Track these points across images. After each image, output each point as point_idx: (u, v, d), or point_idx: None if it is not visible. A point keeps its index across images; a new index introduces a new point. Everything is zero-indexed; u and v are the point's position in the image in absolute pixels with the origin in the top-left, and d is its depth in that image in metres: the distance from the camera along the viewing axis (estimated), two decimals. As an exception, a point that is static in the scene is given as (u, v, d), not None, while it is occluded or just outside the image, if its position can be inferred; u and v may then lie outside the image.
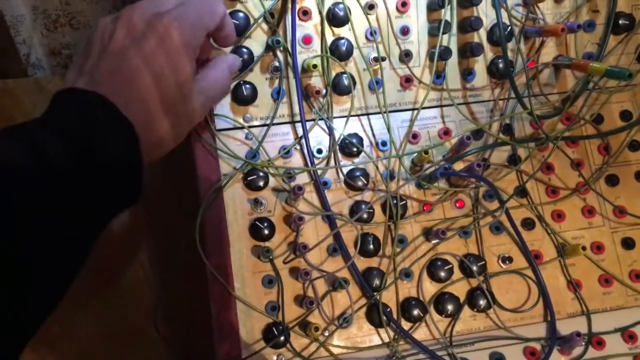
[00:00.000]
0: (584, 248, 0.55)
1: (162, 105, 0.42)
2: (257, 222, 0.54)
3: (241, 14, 0.54)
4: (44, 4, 0.79)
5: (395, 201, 0.56)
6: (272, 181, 0.56)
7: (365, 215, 0.56)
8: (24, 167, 0.34)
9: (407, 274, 0.56)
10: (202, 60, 0.50)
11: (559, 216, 0.59)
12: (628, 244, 0.59)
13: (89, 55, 0.42)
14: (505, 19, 0.57)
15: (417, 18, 0.58)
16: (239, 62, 0.53)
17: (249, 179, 0.55)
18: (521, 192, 0.59)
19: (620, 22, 0.60)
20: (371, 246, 0.55)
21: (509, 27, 0.57)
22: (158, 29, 0.42)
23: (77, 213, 0.36)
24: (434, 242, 0.57)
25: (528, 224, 0.58)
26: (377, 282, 0.55)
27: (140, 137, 0.39)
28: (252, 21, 0.55)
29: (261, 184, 0.55)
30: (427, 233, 0.57)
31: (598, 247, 0.58)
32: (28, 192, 0.34)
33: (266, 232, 0.54)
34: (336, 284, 0.54)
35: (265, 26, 0.56)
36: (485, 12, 0.58)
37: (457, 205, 0.58)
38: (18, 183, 0.33)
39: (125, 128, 0.39)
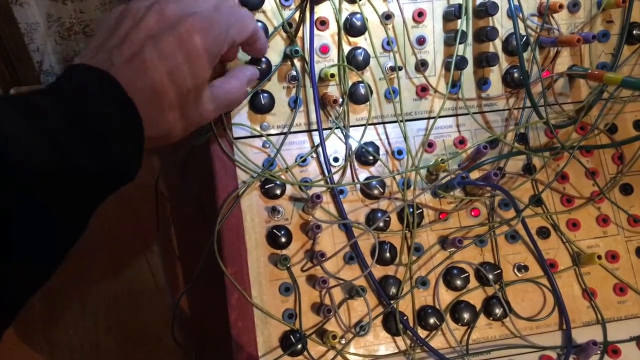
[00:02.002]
0: (599, 257, 0.55)
1: (170, 101, 0.42)
2: (274, 230, 0.55)
3: (260, 24, 0.55)
4: (59, 12, 0.79)
5: (411, 210, 0.57)
6: (289, 189, 0.56)
7: (381, 224, 0.56)
8: (22, 131, 0.33)
9: (423, 282, 0.56)
10: (225, 61, 0.52)
11: (574, 225, 0.59)
12: (643, 253, 0.59)
13: (113, 34, 0.42)
14: (521, 29, 0.58)
15: (433, 28, 0.58)
16: (257, 74, 0.54)
17: (266, 187, 0.55)
18: (537, 201, 0.59)
19: (634, 32, 0.61)
20: (388, 254, 0.56)
21: (525, 37, 0.58)
22: (184, 27, 0.42)
23: (73, 181, 0.35)
24: (450, 250, 0.57)
25: (543, 232, 0.59)
26: (393, 290, 0.55)
27: (144, 123, 0.39)
28: (270, 30, 0.55)
29: (278, 192, 0.56)
30: (443, 241, 0.57)
31: (613, 256, 0.59)
32: (25, 156, 0.33)
33: (283, 240, 0.54)
34: (353, 292, 0.54)
35: (283, 35, 0.56)
36: (501, 23, 0.59)
37: (472, 214, 0.59)
38: (15, 146, 0.33)
39: (128, 109, 0.39)
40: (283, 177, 0.56)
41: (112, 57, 0.40)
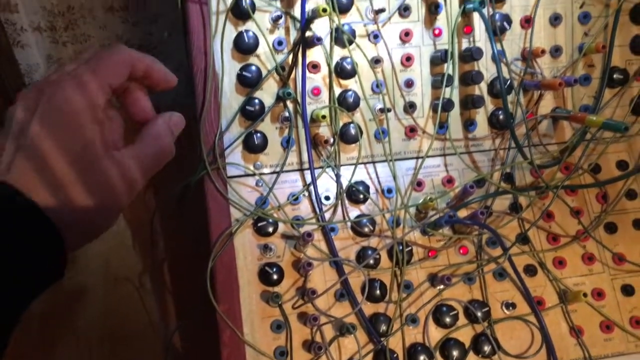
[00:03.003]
0: (585, 295, 0.57)
1: (70, 179, 0.38)
2: (266, 268, 0.55)
3: (254, 67, 0.57)
4: (59, 53, 0.82)
5: (401, 247, 0.58)
6: (282, 227, 0.58)
7: (372, 261, 0.57)
8: None
9: (413, 320, 0.57)
10: (146, 116, 0.45)
11: (560, 263, 0.60)
12: (627, 290, 0.60)
13: (3, 144, 0.39)
14: (505, 73, 0.60)
15: (420, 72, 0.61)
16: (179, 118, 0.45)
17: (259, 225, 0.57)
18: (523, 239, 0.60)
19: (614, 76, 0.63)
20: (378, 292, 0.57)
21: (509, 81, 0.60)
22: (45, 100, 0.38)
23: None
24: (439, 288, 0.58)
25: (530, 270, 0.60)
26: (383, 327, 0.56)
27: (55, 217, 0.37)
28: (264, 74, 0.57)
29: (270, 230, 0.57)
30: (433, 279, 0.58)
31: (599, 294, 0.60)
32: None
33: (275, 277, 0.55)
34: (344, 329, 0.55)
35: (276, 78, 0.58)
36: (486, 67, 0.61)
37: (461, 251, 0.60)
38: None
39: (33, 213, 0.36)
40: (275, 215, 0.57)
41: (1, 163, 0.38)
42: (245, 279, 0.56)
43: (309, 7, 0.56)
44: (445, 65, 0.59)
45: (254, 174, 0.58)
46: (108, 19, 0.81)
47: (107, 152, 0.40)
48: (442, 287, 0.58)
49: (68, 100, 0.38)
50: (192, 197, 0.60)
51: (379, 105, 0.59)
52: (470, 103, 0.61)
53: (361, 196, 0.59)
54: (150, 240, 0.69)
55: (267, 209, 0.57)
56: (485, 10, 0.58)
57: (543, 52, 0.60)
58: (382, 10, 0.58)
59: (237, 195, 0.57)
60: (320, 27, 0.57)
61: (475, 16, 0.60)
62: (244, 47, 0.56)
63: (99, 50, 0.42)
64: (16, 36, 0.79)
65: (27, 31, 0.79)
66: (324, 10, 0.50)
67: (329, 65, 0.58)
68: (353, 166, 0.60)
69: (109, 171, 0.40)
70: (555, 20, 0.61)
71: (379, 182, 0.61)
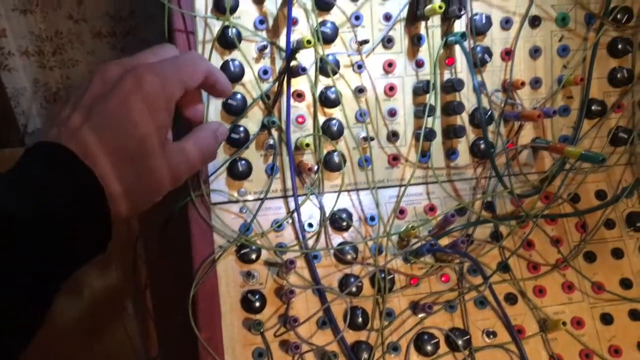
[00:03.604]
0: (564, 323, 0.57)
1: (130, 157, 0.42)
2: (248, 295, 0.56)
3: (239, 95, 0.57)
4: (46, 77, 0.82)
5: (383, 275, 0.58)
6: (265, 254, 0.58)
7: (354, 289, 0.58)
8: None
9: (394, 348, 0.57)
10: (196, 121, 0.51)
11: (540, 291, 0.61)
12: (606, 319, 0.61)
13: (65, 107, 0.43)
14: (486, 103, 0.61)
15: (403, 101, 0.62)
16: (225, 129, 0.53)
17: (241, 252, 0.57)
18: (504, 267, 0.61)
19: (593, 108, 0.64)
20: (360, 319, 0.57)
21: (489, 112, 0.61)
22: (129, 80, 0.42)
23: (39, 263, 0.36)
24: (420, 315, 0.58)
25: (511, 298, 0.60)
26: (365, 355, 0.56)
27: (108, 186, 0.40)
28: (249, 102, 0.58)
29: (253, 257, 0.57)
30: (414, 307, 0.58)
31: (578, 322, 0.60)
32: None
33: (257, 304, 0.55)
34: (325, 357, 0.55)
35: (262, 106, 0.59)
36: (467, 97, 0.62)
37: (442, 279, 0.60)
38: None
39: (88, 180, 0.39)
40: (259, 242, 0.58)
41: (65, 128, 0.41)
42: (228, 306, 0.56)
43: (294, 37, 0.57)
44: (428, 95, 0.60)
45: (237, 201, 0.58)
46: (96, 44, 0.82)
47: (166, 141, 0.44)
48: (423, 315, 0.58)
49: (152, 86, 0.42)
50: (176, 223, 0.60)
51: (363, 134, 0.60)
52: (452, 133, 0.62)
53: (344, 224, 0.59)
54: (133, 266, 0.69)
55: (250, 236, 0.58)
56: (466, 43, 0.59)
57: (523, 84, 0.61)
58: (365, 42, 0.59)
59: (221, 222, 0.57)
60: (306, 57, 0.58)
61: (457, 48, 0.61)
62: (230, 76, 0.57)
63: (183, 52, 0.50)
64: (3, 60, 0.79)
65: (15, 55, 0.80)
66: (308, 42, 0.51)
67: (313, 94, 0.59)
68: (336, 194, 0.60)
69: (163, 159, 0.44)
70: (535, 53, 0.63)
71: (362, 209, 0.61)
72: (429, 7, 0.57)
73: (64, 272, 0.39)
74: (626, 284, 0.62)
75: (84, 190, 0.39)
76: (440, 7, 0.55)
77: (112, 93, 0.42)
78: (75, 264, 0.40)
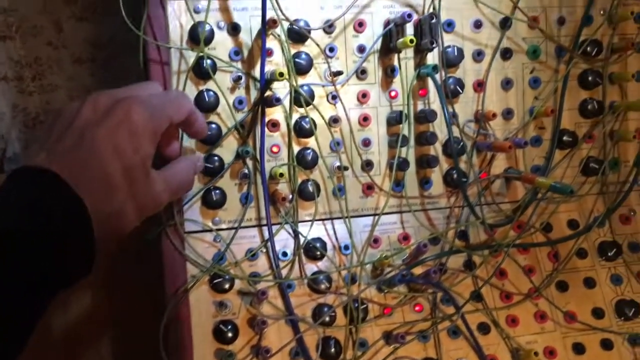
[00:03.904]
0: (536, 353, 0.57)
1: (115, 183, 0.43)
2: (221, 325, 0.55)
3: (214, 125, 0.58)
4: (25, 102, 0.82)
5: (356, 305, 0.58)
6: (238, 283, 0.58)
7: (327, 319, 0.58)
8: None
9: (367, 378, 0.57)
10: (172, 157, 0.54)
11: (513, 321, 0.61)
12: (578, 349, 0.61)
13: (52, 132, 0.44)
14: (458, 133, 0.62)
15: (377, 131, 0.62)
16: (203, 161, 0.57)
17: (214, 281, 0.57)
18: (477, 297, 0.61)
19: (564, 138, 0.65)
20: (333, 350, 0.57)
21: (461, 143, 0.62)
22: (120, 109, 0.44)
23: (23, 286, 0.38)
24: (394, 346, 0.58)
25: (484, 328, 0.61)
26: (338, 386, 0.56)
27: (94, 212, 0.41)
28: (224, 131, 0.58)
29: (227, 286, 0.57)
30: (388, 337, 0.58)
31: (550, 352, 0.61)
32: None
33: (230, 335, 0.55)
34: (297, 388, 0.55)
35: (236, 135, 0.59)
36: (441, 128, 0.63)
37: (416, 309, 0.60)
38: None
39: (75, 205, 0.40)
40: (232, 271, 0.58)
41: (53, 153, 0.42)
42: (200, 336, 0.55)
43: (269, 68, 0.58)
44: (401, 126, 0.61)
45: (211, 230, 0.58)
46: (76, 70, 0.82)
47: (149, 170, 0.47)
48: (396, 345, 0.58)
49: (141, 118, 0.44)
50: (150, 251, 0.60)
51: (337, 163, 0.61)
52: (425, 162, 0.62)
53: (318, 253, 0.60)
54: (108, 294, 0.69)
55: (224, 265, 0.58)
56: (438, 75, 0.60)
57: (494, 115, 0.62)
58: (339, 73, 0.60)
59: (194, 252, 0.57)
60: (280, 87, 0.59)
61: (430, 79, 0.62)
62: (205, 106, 0.57)
63: (169, 90, 0.55)
64: (-19, 85, 0.79)
65: (-7, 81, 0.80)
66: (281, 74, 0.52)
67: (288, 124, 0.59)
68: (310, 223, 0.60)
69: (147, 187, 0.46)
70: (506, 84, 0.64)
71: (336, 238, 0.62)
72: (400, 40, 0.58)
73: (52, 287, 0.40)
74: (598, 313, 0.63)
75: (71, 216, 0.40)
76: (411, 41, 0.56)
77: (103, 121, 0.43)
78: (61, 281, 0.41)
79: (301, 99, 0.58)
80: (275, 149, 0.60)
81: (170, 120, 0.48)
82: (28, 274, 0.38)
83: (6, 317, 0.37)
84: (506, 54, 0.64)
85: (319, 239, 0.60)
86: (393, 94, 0.62)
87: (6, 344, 0.38)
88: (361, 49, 0.61)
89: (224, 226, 0.59)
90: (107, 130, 0.43)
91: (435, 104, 0.63)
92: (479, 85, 0.63)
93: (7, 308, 0.37)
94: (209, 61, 0.56)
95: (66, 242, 0.40)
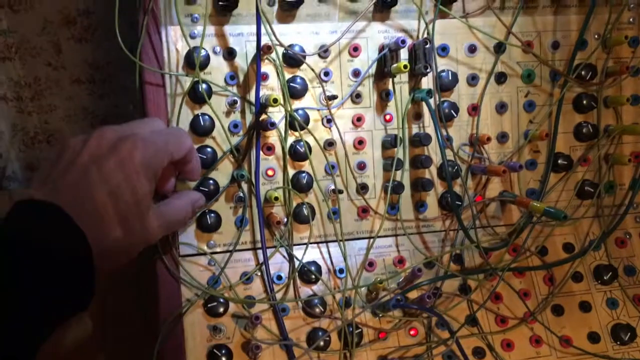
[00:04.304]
0: (531, 379, 0.57)
1: (116, 219, 0.44)
2: (215, 350, 0.55)
3: (209, 149, 0.58)
4: (23, 122, 0.82)
5: (351, 329, 0.58)
6: (232, 307, 0.58)
7: (322, 343, 0.57)
8: None
9: (361, 404, 0.57)
10: (168, 192, 0.55)
11: (508, 345, 0.61)
12: (574, 374, 0.61)
13: (57, 166, 0.45)
14: (453, 157, 0.62)
15: (372, 155, 0.62)
16: (203, 200, 0.57)
17: (209, 305, 0.57)
18: (472, 321, 0.61)
19: (559, 162, 0.65)
20: (326, 375, 0.57)
21: (456, 166, 0.62)
22: (123, 148, 0.45)
23: (24, 316, 0.38)
24: (388, 370, 0.58)
25: (479, 352, 0.60)
26: (331, 412, 0.55)
27: (94, 246, 0.41)
28: (219, 155, 0.59)
29: (221, 310, 0.57)
30: (382, 361, 0.58)
31: (546, 377, 0.61)
32: None
33: None
34: (291, 414, 0.54)
35: (232, 159, 0.59)
36: (435, 151, 0.63)
37: (411, 333, 0.60)
38: None
39: (77, 238, 0.41)
40: (227, 295, 0.58)
41: (58, 186, 0.43)
42: (193, 361, 0.55)
43: (264, 92, 0.58)
44: (396, 149, 0.61)
45: (205, 253, 0.59)
46: (74, 90, 0.82)
47: (151, 204, 0.48)
48: (391, 369, 0.58)
49: (145, 154, 0.46)
50: (145, 276, 0.60)
51: (332, 186, 0.61)
52: (420, 186, 0.63)
53: (313, 276, 0.60)
54: (102, 319, 0.69)
55: (218, 289, 0.58)
56: (432, 99, 0.61)
57: (489, 139, 0.62)
58: (334, 97, 0.60)
59: (189, 275, 0.57)
60: (276, 111, 0.59)
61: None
62: (200, 130, 0.58)
63: (171, 127, 0.56)
64: (-19, 105, 0.80)
65: (-7, 101, 0.80)
66: (275, 100, 0.52)
67: (283, 148, 0.60)
68: (305, 246, 0.60)
69: (148, 221, 0.48)
70: (501, 108, 0.64)
71: (331, 262, 0.62)
72: (394, 65, 0.58)
73: (53, 319, 0.41)
74: (594, 338, 0.63)
75: (74, 248, 0.41)
76: (405, 67, 0.56)
77: (106, 159, 0.45)
78: (62, 313, 0.41)
79: (296, 123, 0.58)
80: (270, 173, 0.60)
81: (171, 157, 0.50)
82: (30, 307, 0.38)
83: (8, 348, 0.37)
84: (501, 78, 0.64)
85: (313, 262, 0.60)
86: (388, 117, 0.62)
87: None
88: (356, 73, 0.61)
89: (218, 249, 0.59)
90: (109, 169, 0.44)
91: (429, 127, 0.63)
92: (474, 109, 0.64)
93: (10, 339, 0.37)
94: (204, 85, 0.57)
95: (69, 273, 0.40)
